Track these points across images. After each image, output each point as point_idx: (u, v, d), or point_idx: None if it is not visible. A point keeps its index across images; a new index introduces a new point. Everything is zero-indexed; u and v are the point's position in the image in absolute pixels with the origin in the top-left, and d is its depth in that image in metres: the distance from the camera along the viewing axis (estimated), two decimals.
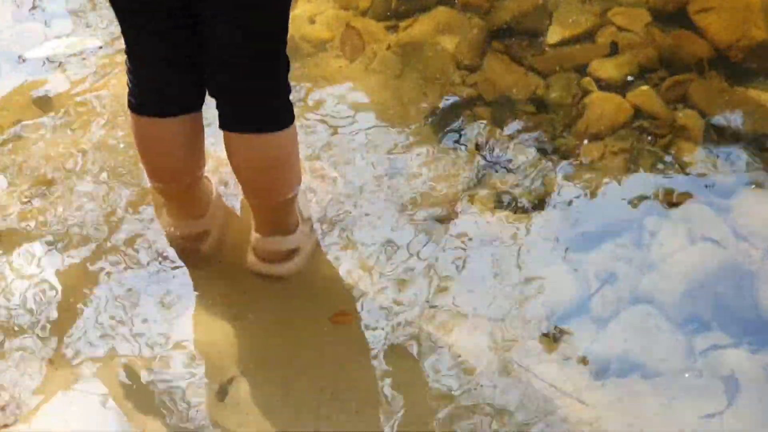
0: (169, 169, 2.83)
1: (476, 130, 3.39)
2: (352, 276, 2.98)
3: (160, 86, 2.63)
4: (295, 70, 3.24)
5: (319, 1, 3.80)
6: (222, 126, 2.69)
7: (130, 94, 2.67)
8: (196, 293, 2.95)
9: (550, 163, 3.31)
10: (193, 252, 3.03)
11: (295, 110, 2.67)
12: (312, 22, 3.73)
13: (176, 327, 2.87)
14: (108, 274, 2.97)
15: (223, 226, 3.09)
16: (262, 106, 2.63)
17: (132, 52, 2.60)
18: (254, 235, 2.94)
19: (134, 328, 2.87)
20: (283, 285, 2.96)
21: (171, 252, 3.03)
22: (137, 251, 3.00)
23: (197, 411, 2.67)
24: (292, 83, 2.61)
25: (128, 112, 2.71)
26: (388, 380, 2.75)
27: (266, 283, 2.96)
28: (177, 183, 2.86)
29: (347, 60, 3.58)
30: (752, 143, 3.36)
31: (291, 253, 2.98)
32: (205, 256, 3.03)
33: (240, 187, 2.86)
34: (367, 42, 3.65)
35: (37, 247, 3.00)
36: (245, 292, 2.97)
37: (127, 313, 2.87)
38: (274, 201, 2.83)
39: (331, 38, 3.68)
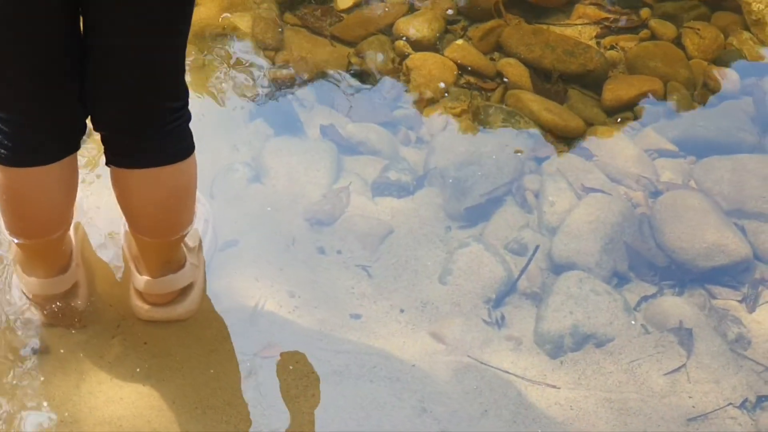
0: (45, 222, 2.40)
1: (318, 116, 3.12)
2: (256, 302, 2.63)
3: (35, 125, 2.21)
4: None
5: None
6: (114, 162, 2.30)
7: None
8: (85, 361, 2.52)
9: (402, 138, 3.10)
10: (68, 311, 2.60)
11: None
12: None
13: (80, 412, 2.44)
14: None
15: (86, 274, 2.66)
16: (176, 134, 2.26)
17: (7, 94, 2.15)
18: (140, 279, 2.56)
19: None
20: (185, 327, 2.59)
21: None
22: None
23: None
24: None
25: None
26: (341, 404, 2.49)
27: (164, 330, 2.58)
28: (51, 236, 2.42)
29: None
30: (577, 81, 3.31)
31: (186, 290, 2.62)
32: (80, 314, 2.60)
33: (128, 226, 2.45)
34: None
35: None
36: (145, 344, 2.57)
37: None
38: (174, 237, 2.46)
39: None
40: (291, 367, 2.57)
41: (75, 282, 2.61)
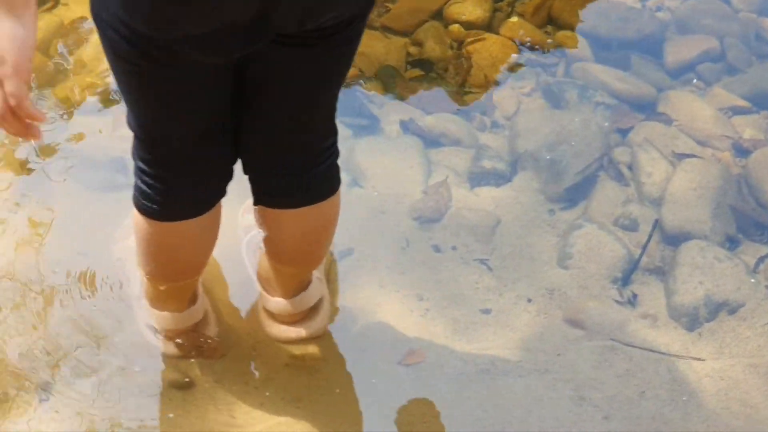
0: (194, 266, 2.34)
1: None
2: (386, 310, 2.60)
3: (192, 181, 2.14)
4: None
5: None
6: (264, 203, 2.25)
7: (146, 199, 2.14)
8: (232, 389, 2.47)
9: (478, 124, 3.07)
10: (202, 342, 2.54)
11: None
12: None
13: None
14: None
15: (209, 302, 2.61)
16: (327, 174, 2.24)
17: (159, 149, 2.08)
18: (274, 301, 2.51)
19: None
20: (321, 343, 2.55)
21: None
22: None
23: None
24: None
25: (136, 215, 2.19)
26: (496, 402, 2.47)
27: (302, 349, 2.56)
28: (195, 277, 2.37)
29: None
30: (635, 47, 3.31)
31: (316, 306, 2.58)
32: (214, 343, 2.54)
33: (268, 255, 2.40)
34: None
35: None
36: (287, 366, 2.52)
37: None
38: (316, 266, 2.42)
39: None
40: (438, 372, 2.52)
41: (205, 311, 2.54)
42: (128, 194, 2.59)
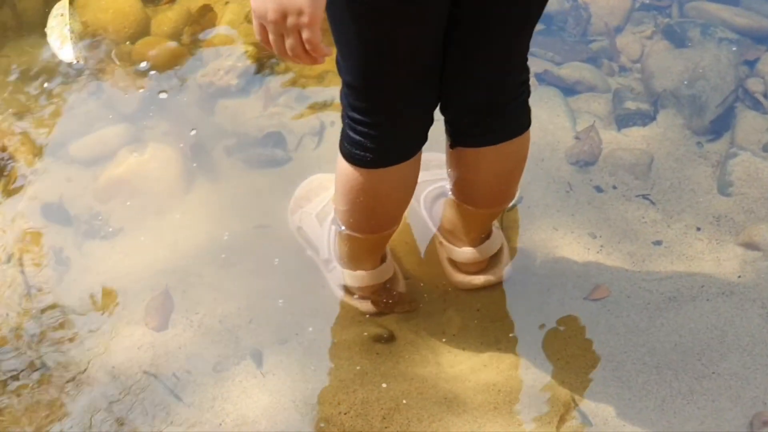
0: (395, 215, 2.43)
1: None
2: (564, 250, 2.68)
3: (406, 125, 2.21)
4: None
5: None
6: (464, 143, 2.31)
7: (360, 149, 2.21)
8: (432, 339, 2.57)
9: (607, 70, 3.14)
10: (396, 297, 2.60)
11: None
12: None
13: (456, 388, 2.50)
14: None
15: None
16: (523, 110, 2.28)
17: (378, 95, 2.14)
18: (461, 251, 2.58)
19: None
20: (507, 289, 2.63)
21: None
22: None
23: None
24: None
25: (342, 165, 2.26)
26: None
27: (488, 296, 2.63)
28: (395, 227, 2.44)
29: None
30: None
31: (499, 252, 2.65)
32: (406, 297, 2.61)
33: (461, 200, 2.47)
34: None
35: None
36: (478, 311, 2.59)
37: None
38: (507, 205, 2.50)
39: None
40: (626, 304, 2.59)
41: (394, 268, 2.60)
42: (289, 167, 2.68)
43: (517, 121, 2.27)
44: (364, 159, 2.20)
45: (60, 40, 3.04)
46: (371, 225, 2.37)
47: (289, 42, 1.75)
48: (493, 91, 2.19)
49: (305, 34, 1.70)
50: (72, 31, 3.05)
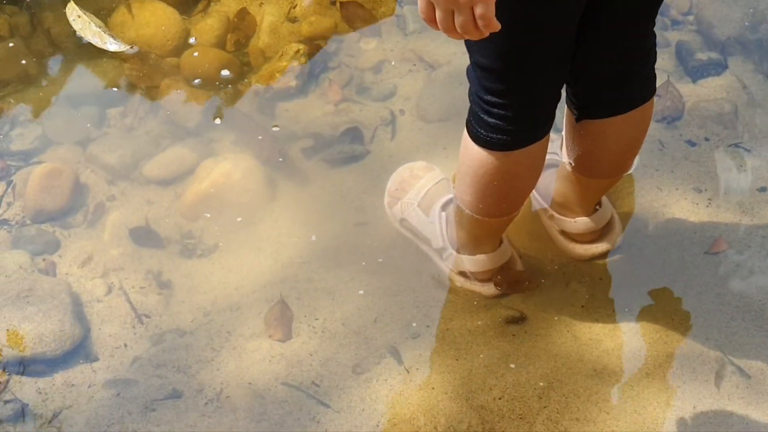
0: (524, 197, 2.38)
1: None
2: (672, 208, 2.64)
3: (543, 105, 2.16)
4: None
5: None
6: (591, 115, 2.27)
7: (496, 132, 2.15)
8: (563, 314, 2.52)
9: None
10: (517, 276, 2.54)
11: None
12: None
13: (604, 359, 2.42)
14: None
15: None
16: (650, 76, 2.25)
17: (517, 76, 2.08)
18: (576, 222, 2.53)
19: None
20: (624, 252, 2.57)
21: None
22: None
23: None
24: None
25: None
26: None
27: (601, 266, 2.58)
28: (520, 209, 2.39)
29: None
30: None
31: (612, 219, 2.60)
32: (526, 275, 2.54)
33: (580, 171, 2.42)
34: None
35: None
36: (601, 279, 2.54)
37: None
38: (626, 172, 2.46)
39: None
40: (747, 253, 2.58)
41: (511, 249, 2.54)
42: (369, 160, 2.58)
43: (647, 87, 2.24)
44: (500, 142, 2.14)
45: (97, 37, 2.94)
46: (502, 208, 2.30)
47: (460, 19, 1.69)
48: (626, 60, 2.15)
49: (479, 10, 1.65)
50: (98, 26, 2.96)
